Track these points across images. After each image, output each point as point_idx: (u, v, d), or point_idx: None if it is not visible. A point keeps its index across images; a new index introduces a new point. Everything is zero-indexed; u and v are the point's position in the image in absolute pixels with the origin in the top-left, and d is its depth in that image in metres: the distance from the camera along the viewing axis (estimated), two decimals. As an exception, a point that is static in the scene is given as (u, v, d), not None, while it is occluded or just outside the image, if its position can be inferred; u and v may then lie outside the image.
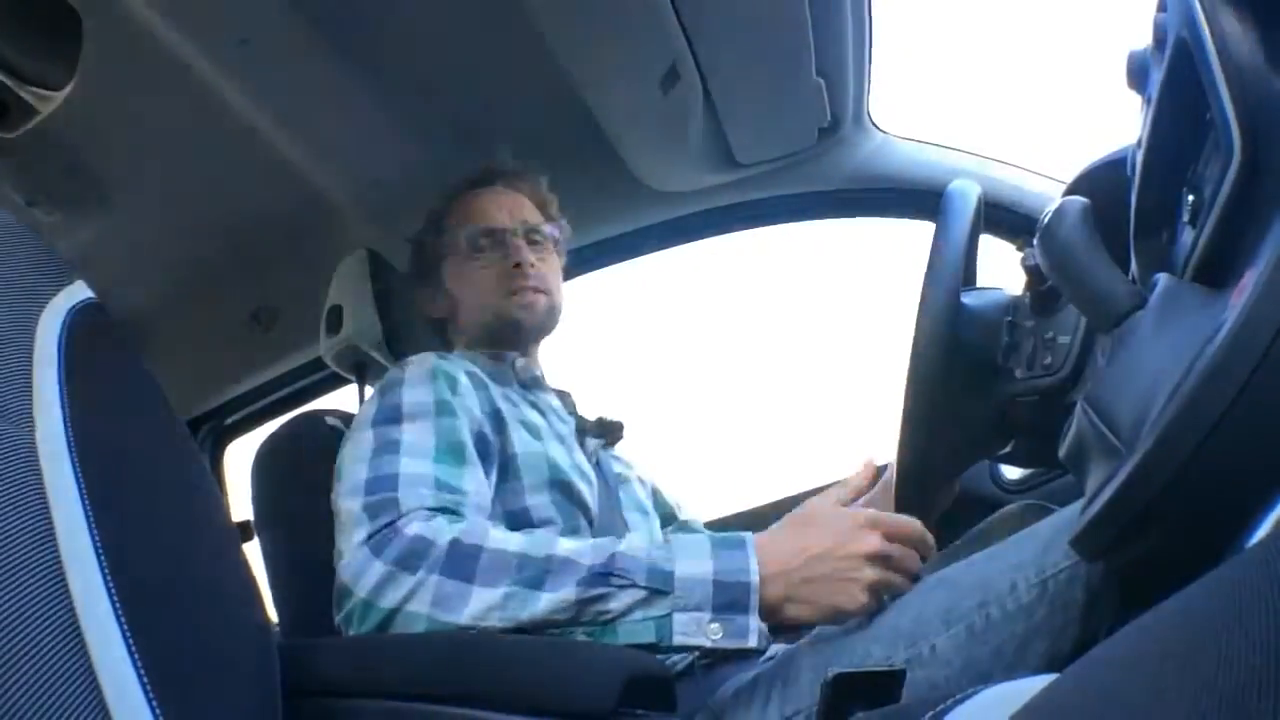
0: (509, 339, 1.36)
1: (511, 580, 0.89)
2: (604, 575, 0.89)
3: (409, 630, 0.90)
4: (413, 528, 0.93)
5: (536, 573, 0.90)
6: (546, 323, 1.38)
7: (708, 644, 0.87)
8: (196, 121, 1.47)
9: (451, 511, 0.98)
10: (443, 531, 0.93)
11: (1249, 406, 0.48)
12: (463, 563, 0.90)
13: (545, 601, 0.88)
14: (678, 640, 0.87)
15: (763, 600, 0.89)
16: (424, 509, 0.97)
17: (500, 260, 1.35)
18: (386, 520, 0.95)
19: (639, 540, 0.94)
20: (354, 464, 1.05)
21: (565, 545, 0.93)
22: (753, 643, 0.87)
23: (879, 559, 0.90)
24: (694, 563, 0.90)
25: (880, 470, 1.11)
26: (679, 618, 0.87)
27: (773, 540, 0.93)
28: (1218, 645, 0.30)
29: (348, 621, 0.93)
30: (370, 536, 0.94)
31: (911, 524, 0.93)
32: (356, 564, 0.93)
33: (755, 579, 0.89)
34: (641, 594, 0.88)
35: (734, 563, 0.90)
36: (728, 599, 0.88)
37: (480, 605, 0.89)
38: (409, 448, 1.04)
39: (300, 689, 0.82)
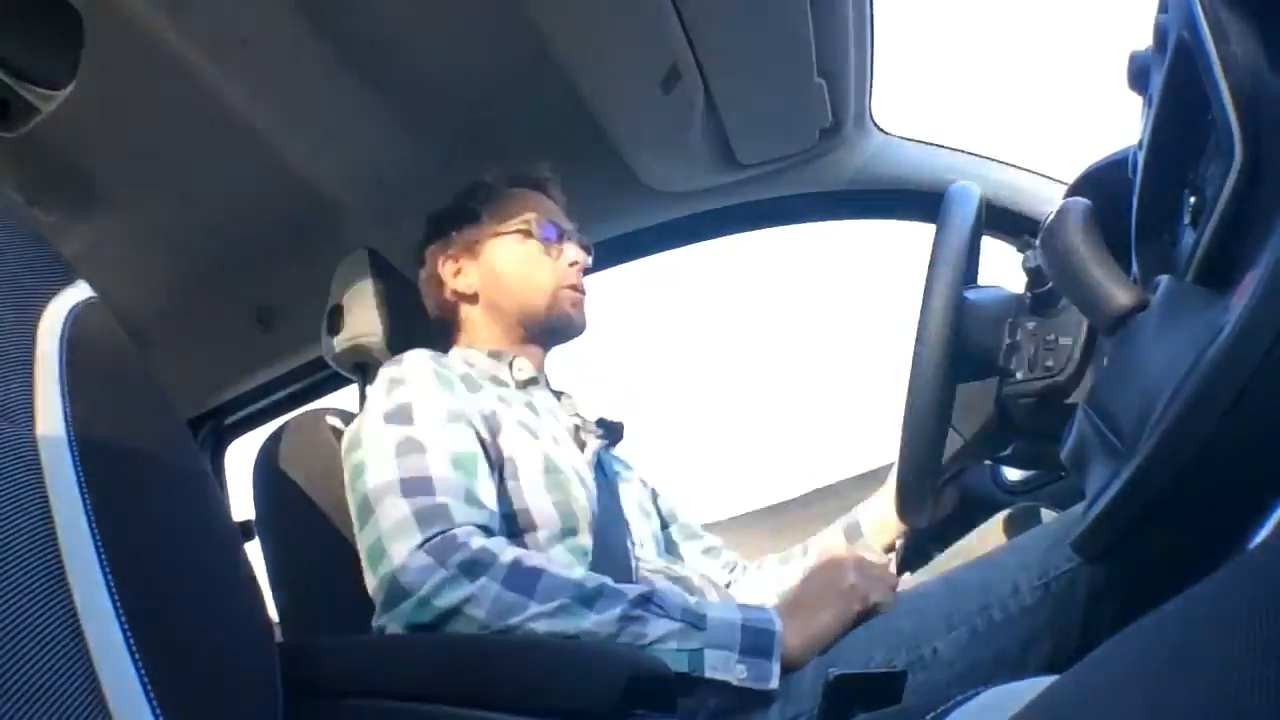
0: (542, 331, 1.37)
1: (563, 601, 0.93)
2: (645, 602, 0.94)
3: (459, 630, 0.92)
4: (476, 540, 0.96)
5: (591, 598, 0.94)
6: (581, 329, 1.40)
7: (734, 682, 0.91)
8: (197, 121, 1.47)
9: (494, 531, 1.02)
10: (505, 550, 0.97)
11: (1250, 408, 0.48)
12: (524, 579, 0.94)
13: (592, 620, 0.92)
14: (709, 673, 0.91)
15: (784, 655, 0.94)
16: (476, 525, 1.00)
17: (558, 256, 1.37)
18: (440, 529, 0.97)
19: (675, 589, 1.01)
20: (378, 461, 1.06)
21: (614, 583, 0.98)
22: (774, 685, 0.91)
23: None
24: (724, 610, 0.96)
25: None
26: (709, 653, 0.92)
27: (796, 608, 0.99)
28: (1219, 647, 0.30)
29: (398, 618, 0.94)
30: (426, 541, 0.96)
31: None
32: (415, 566, 0.94)
33: (779, 628, 0.94)
34: (677, 625, 0.93)
35: (760, 614, 0.96)
36: (753, 643, 0.93)
37: (530, 615, 0.92)
38: (431, 450, 1.06)
39: (300, 689, 0.82)
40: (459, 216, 1.42)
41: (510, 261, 1.37)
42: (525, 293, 1.36)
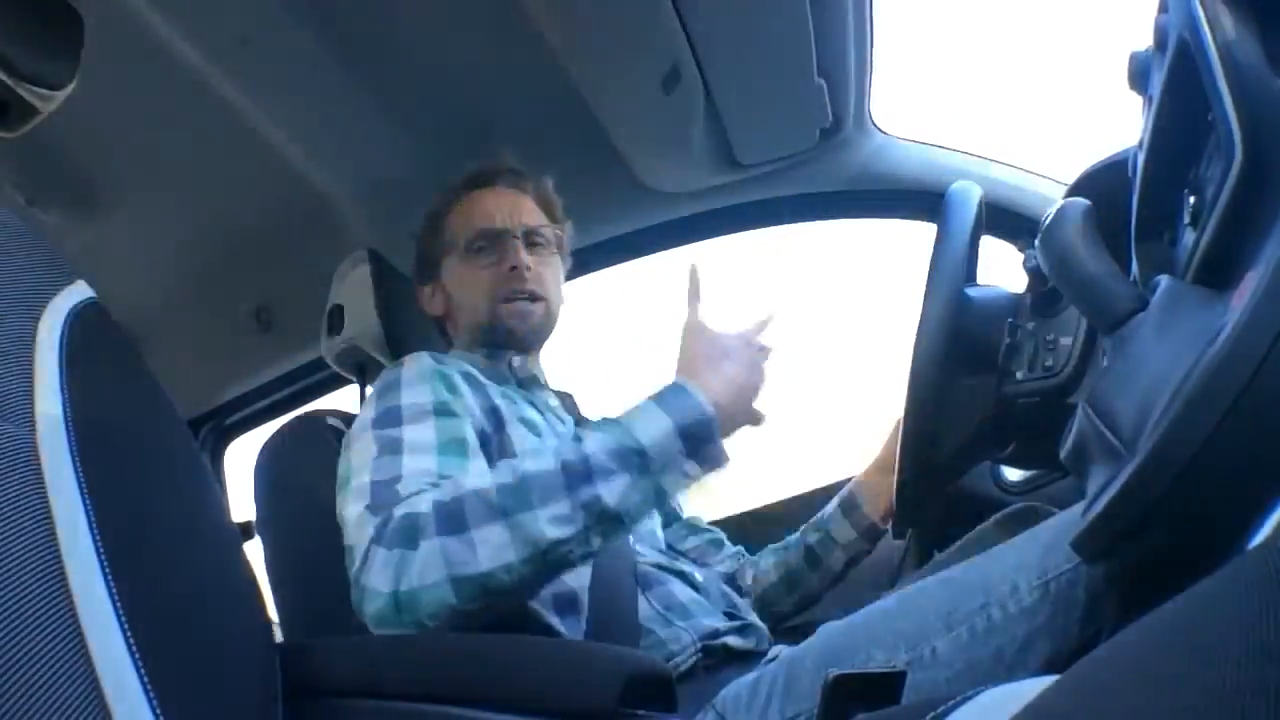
0: (502, 344, 1.35)
1: (501, 510, 0.92)
2: (585, 475, 0.93)
3: (442, 604, 0.90)
4: (400, 509, 0.95)
5: (519, 494, 0.93)
6: (542, 330, 1.36)
7: (695, 481, 0.95)
8: (197, 121, 1.47)
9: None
10: (424, 501, 0.95)
11: (1250, 409, 0.47)
12: (452, 517, 0.92)
13: (546, 519, 0.91)
14: (670, 494, 0.95)
15: (720, 417, 0.98)
16: (416, 493, 0.98)
17: (498, 263, 1.33)
18: (386, 515, 0.95)
19: (594, 434, 0.98)
20: (358, 469, 1.04)
21: (529, 462, 0.97)
22: (729, 461, 0.96)
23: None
24: (653, 425, 0.96)
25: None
26: (665, 479, 0.94)
27: (701, 379, 1.01)
28: (1218, 647, 0.30)
29: (380, 621, 0.92)
30: (375, 533, 0.94)
31: (761, 320, 1.10)
32: (368, 563, 0.93)
33: (710, 410, 0.97)
34: (626, 478, 0.93)
35: (686, 406, 0.97)
36: (695, 439, 0.95)
37: (491, 547, 0.90)
38: (411, 446, 1.05)
39: (300, 689, 0.82)
40: (425, 238, 1.43)
41: (456, 279, 1.37)
42: (469, 311, 1.35)
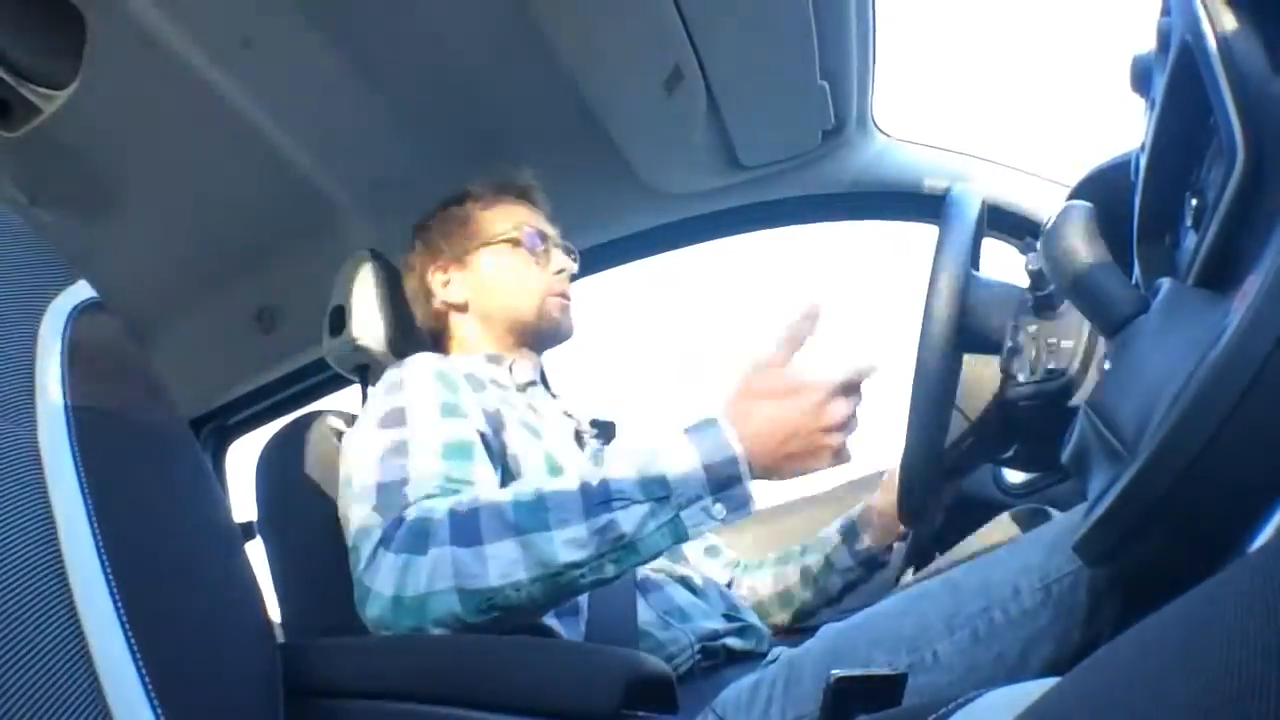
0: (532, 337, 1.38)
1: (515, 527, 0.90)
2: (605, 502, 0.90)
3: (448, 612, 0.89)
4: (411, 512, 0.94)
5: (536, 513, 0.91)
6: (569, 334, 1.40)
7: (717, 523, 0.90)
8: (198, 121, 1.47)
9: (455, 494, 0.98)
10: (439, 508, 0.94)
11: (1251, 411, 0.47)
12: (465, 528, 0.91)
13: (560, 541, 0.89)
14: (692, 534, 0.90)
15: (749, 459, 0.92)
16: (427, 497, 0.97)
17: (549, 264, 1.39)
18: (394, 516, 0.95)
19: (618, 460, 0.94)
20: (362, 469, 1.04)
21: (550, 481, 0.95)
22: (754, 507, 0.91)
23: (846, 421, 0.95)
24: (679, 458, 0.92)
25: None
26: (685, 514, 0.90)
27: (745, 417, 0.93)
28: (1220, 650, 0.29)
29: (380, 623, 0.92)
30: (383, 535, 0.94)
31: (860, 369, 0.97)
32: (373, 564, 0.93)
33: (739, 449, 0.91)
34: (645, 507, 0.90)
35: (715, 443, 0.92)
36: (721, 478, 0.91)
37: (502, 563, 0.89)
38: (417, 449, 1.04)
39: (300, 689, 0.82)
40: (446, 227, 1.43)
41: (499, 271, 1.38)
42: (514, 301, 1.37)
